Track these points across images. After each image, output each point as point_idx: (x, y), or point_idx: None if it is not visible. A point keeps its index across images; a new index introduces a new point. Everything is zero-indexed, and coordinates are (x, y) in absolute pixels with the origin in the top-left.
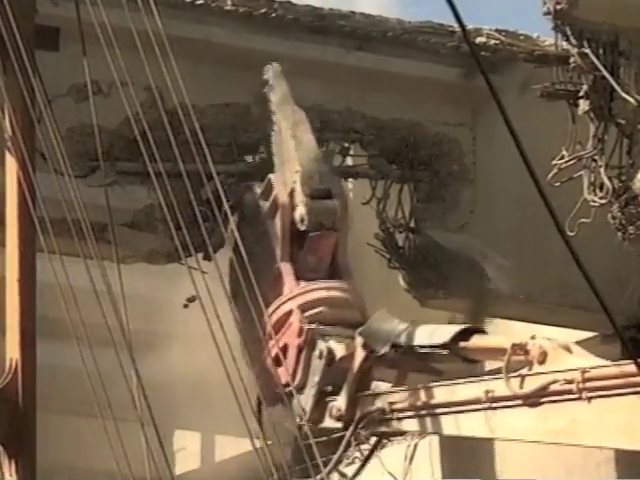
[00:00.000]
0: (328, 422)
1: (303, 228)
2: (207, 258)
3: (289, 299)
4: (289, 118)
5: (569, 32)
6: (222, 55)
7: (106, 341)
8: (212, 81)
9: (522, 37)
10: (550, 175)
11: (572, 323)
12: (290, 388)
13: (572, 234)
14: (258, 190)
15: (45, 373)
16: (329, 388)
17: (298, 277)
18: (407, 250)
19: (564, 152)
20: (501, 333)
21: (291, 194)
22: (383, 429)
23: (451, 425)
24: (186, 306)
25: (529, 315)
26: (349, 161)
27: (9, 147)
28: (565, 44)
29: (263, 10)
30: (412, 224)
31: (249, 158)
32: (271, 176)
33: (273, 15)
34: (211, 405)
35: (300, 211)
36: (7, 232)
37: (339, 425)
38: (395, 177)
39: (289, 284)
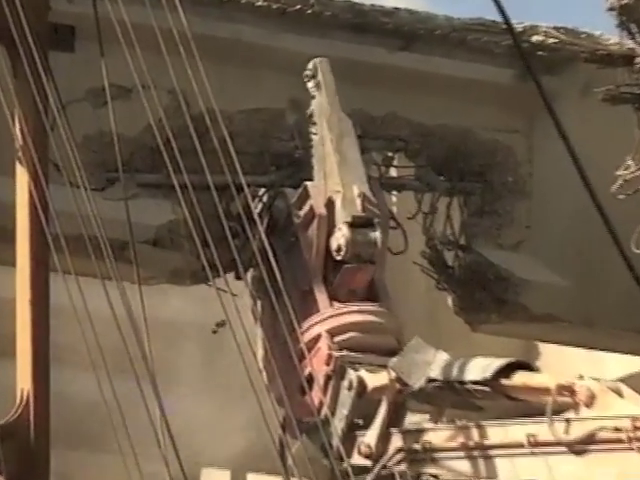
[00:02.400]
0: (357, 459)
1: (339, 258)
2: (237, 278)
3: (318, 322)
4: (334, 128)
5: (635, 29)
6: (253, 56)
7: (126, 370)
8: (242, 84)
9: (583, 35)
10: (614, 187)
11: (638, 349)
12: (316, 420)
13: (639, 252)
14: (291, 198)
15: (59, 405)
16: (359, 420)
17: (330, 296)
18: (457, 269)
19: (629, 162)
20: (557, 361)
21: (329, 204)
22: (415, 469)
23: (489, 469)
24: (215, 332)
25: (589, 341)
26: (393, 172)
27: (20, 157)
28: (630, 43)
29: (298, 6)
30: (462, 241)
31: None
32: (308, 184)
33: (309, 12)
34: (240, 439)
35: (338, 240)
36: (18, 250)
37: (368, 463)
38: (443, 189)
39: (319, 304)
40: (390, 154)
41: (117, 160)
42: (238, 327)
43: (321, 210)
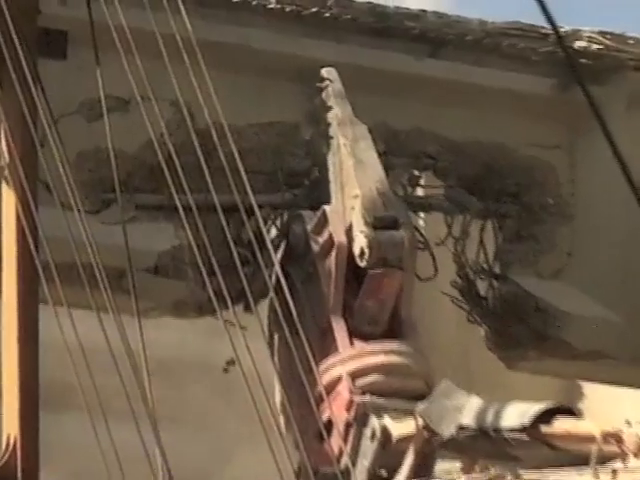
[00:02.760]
0: None
1: (363, 264)
2: (247, 310)
3: (338, 363)
4: (347, 132)
5: None
6: (264, 64)
7: (124, 412)
8: (252, 95)
9: (631, 41)
10: None
11: None
12: (335, 470)
13: None
14: (309, 222)
15: (49, 451)
16: (382, 472)
17: (352, 334)
18: (490, 301)
19: None
20: (603, 403)
21: (349, 231)
22: None
23: None
24: (226, 371)
25: (638, 380)
26: (419, 192)
27: (6, 176)
28: None
29: (314, 9)
30: (497, 269)
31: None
32: (326, 208)
33: (326, 15)
34: None
35: (360, 243)
36: (4, 279)
37: None
38: (476, 211)
39: (340, 343)
40: (416, 173)
41: (114, 179)
42: (248, 364)
43: (340, 238)
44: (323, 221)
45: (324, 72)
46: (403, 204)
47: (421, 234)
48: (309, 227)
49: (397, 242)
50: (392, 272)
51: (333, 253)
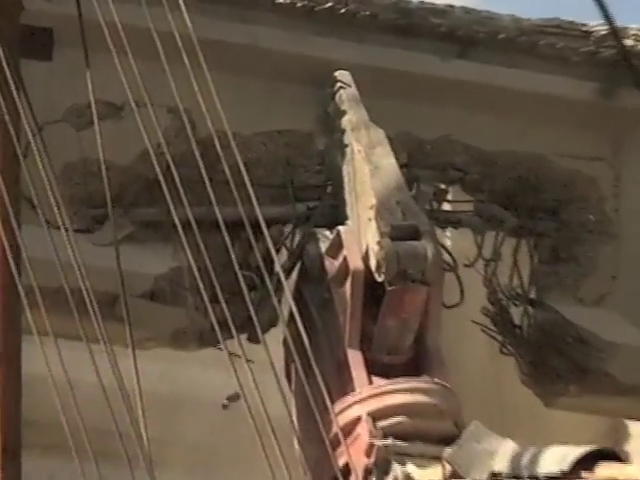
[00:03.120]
0: None
1: (381, 279)
2: (254, 340)
3: (357, 402)
4: (362, 138)
5: None
6: (273, 65)
7: (116, 454)
8: (260, 101)
9: None
10: None
11: None
12: None
13: None
14: (324, 242)
15: None
16: None
17: (370, 368)
18: (526, 330)
19: None
20: None
21: (366, 255)
22: None
23: None
24: (225, 407)
25: None
26: (446, 207)
27: None
28: None
29: (329, 4)
30: (532, 294)
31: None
32: (340, 229)
33: (342, 11)
34: None
35: (376, 255)
36: None
37: None
38: (509, 229)
39: (358, 379)
40: (443, 186)
41: (105, 194)
42: (255, 401)
43: (356, 264)
44: (338, 243)
45: (337, 75)
46: (424, 213)
47: (449, 253)
48: (324, 248)
49: (418, 253)
50: (414, 288)
51: (349, 280)
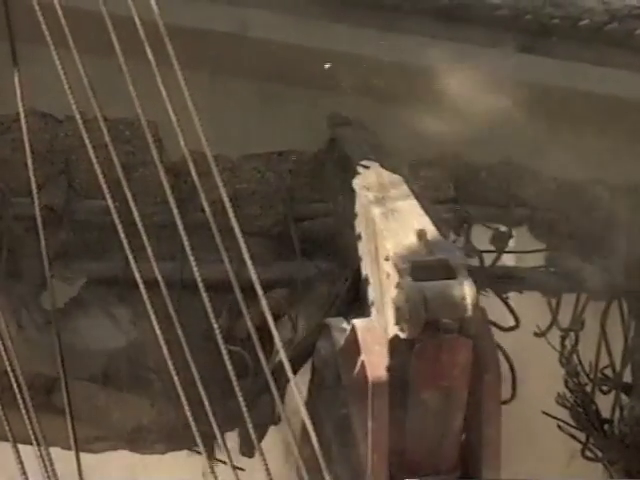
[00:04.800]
0: None
1: (404, 335)
2: (245, 453)
3: None
4: (371, 181)
5: None
6: (267, 62)
7: None
8: (251, 110)
9: None
10: None
11: None
12: None
13: None
14: (340, 336)
15: None
16: None
17: None
18: (617, 427)
19: None
20: None
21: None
22: None
23: None
24: None
25: None
26: (507, 258)
27: None
28: None
29: None
30: (627, 377)
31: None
32: (357, 323)
33: None
34: None
35: (395, 302)
36: None
37: None
38: (594, 289)
39: None
40: (504, 229)
41: (40, 238)
42: None
43: (377, 373)
44: (353, 343)
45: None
46: (458, 248)
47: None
48: (339, 345)
49: (453, 295)
50: (452, 341)
51: (369, 396)
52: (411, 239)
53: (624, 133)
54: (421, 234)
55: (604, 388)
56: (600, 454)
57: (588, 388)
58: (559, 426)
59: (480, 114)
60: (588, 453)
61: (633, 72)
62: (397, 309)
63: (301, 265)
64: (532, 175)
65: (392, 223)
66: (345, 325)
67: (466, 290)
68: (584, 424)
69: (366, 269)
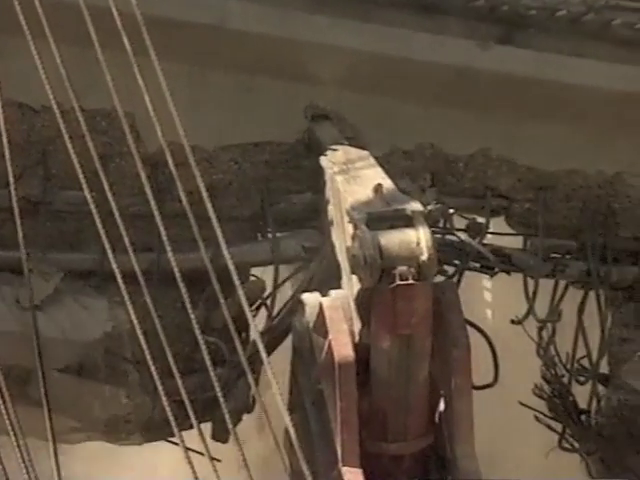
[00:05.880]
0: None
1: (361, 285)
2: (220, 438)
3: None
4: (338, 157)
5: None
6: (246, 53)
7: None
8: (229, 102)
9: None
10: None
11: None
12: None
13: None
14: (310, 312)
15: None
16: None
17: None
18: (594, 417)
19: None
20: None
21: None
22: None
23: None
24: None
25: None
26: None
27: None
28: None
29: None
30: (604, 368)
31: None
32: (324, 301)
33: None
34: None
35: (351, 251)
36: None
37: None
38: (573, 276)
39: None
40: (481, 220)
41: (18, 234)
42: None
43: (344, 352)
44: (322, 321)
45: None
46: (414, 200)
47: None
48: (312, 323)
49: (410, 241)
50: (409, 289)
51: (335, 374)
52: (369, 195)
53: (596, 124)
54: (377, 188)
55: (581, 379)
56: (577, 445)
57: (564, 378)
58: (536, 418)
59: (457, 103)
60: (565, 444)
61: (610, 63)
62: (353, 257)
63: (278, 250)
64: (509, 165)
65: (354, 186)
66: (318, 301)
67: (421, 235)
68: (561, 415)
69: (335, 239)
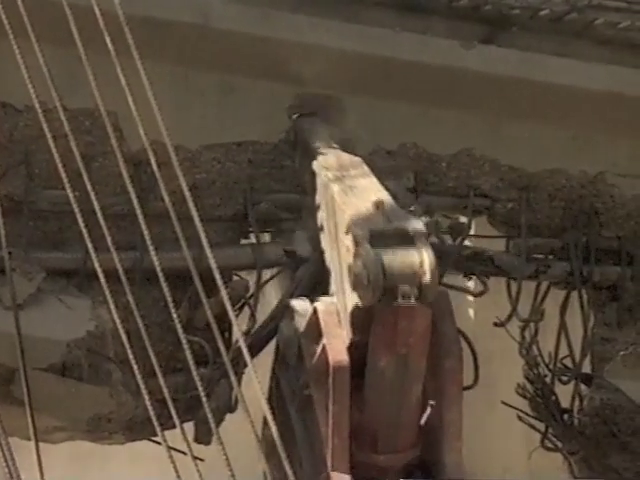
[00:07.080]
0: None
1: (362, 303)
2: (202, 440)
3: None
4: (330, 162)
5: None
6: (230, 53)
7: None
8: (212, 101)
9: None
10: None
11: None
12: None
13: None
14: (299, 317)
15: None
16: None
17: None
18: (577, 416)
19: None
20: None
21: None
22: None
23: None
24: None
25: None
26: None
27: None
28: None
29: None
30: (587, 368)
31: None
32: (318, 305)
33: None
34: None
35: (354, 269)
36: None
37: None
38: (555, 278)
39: None
40: (464, 219)
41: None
42: None
43: (338, 357)
44: (315, 327)
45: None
46: (416, 217)
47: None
48: (302, 327)
49: (412, 262)
50: (411, 309)
51: (330, 378)
52: (369, 209)
53: (578, 124)
54: (378, 204)
55: (564, 378)
56: (560, 444)
57: (547, 377)
58: (519, 417)
59: (440, 103)
60: (547, 443)
61: (593, 62)
62: (355, 276)
63: (261, 250)
64: (492, 165)
65: (351, 198)
66: (307, 307)
67: (424, 257)
68: (542, 414)
69: (326, 247)
